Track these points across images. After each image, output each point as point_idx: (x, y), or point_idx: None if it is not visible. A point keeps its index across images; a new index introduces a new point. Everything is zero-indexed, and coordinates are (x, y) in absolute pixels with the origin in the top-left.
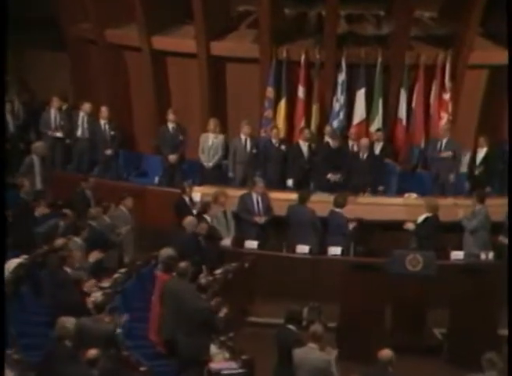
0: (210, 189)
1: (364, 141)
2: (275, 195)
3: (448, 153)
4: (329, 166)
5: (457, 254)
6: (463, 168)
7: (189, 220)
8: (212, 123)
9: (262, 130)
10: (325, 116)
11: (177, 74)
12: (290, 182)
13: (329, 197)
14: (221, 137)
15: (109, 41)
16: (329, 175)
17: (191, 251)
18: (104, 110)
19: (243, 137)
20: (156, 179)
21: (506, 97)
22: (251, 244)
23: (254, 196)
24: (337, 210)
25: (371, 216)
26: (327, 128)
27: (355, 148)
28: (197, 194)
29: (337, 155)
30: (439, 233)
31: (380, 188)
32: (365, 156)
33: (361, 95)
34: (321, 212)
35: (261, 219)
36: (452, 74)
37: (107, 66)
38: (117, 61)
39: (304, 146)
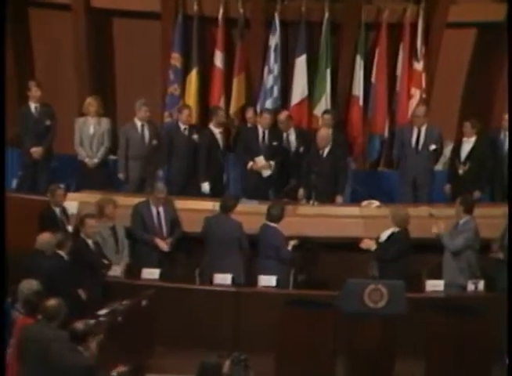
0: (92, 197)
1: (323, 133)
2: (184, 204)
3: (432, 147)
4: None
5: (435, 285)
6: (440, 165)
7: (43, 238)
8: (93, 102)
9: (166, 112)
10: (253, 93)
11: (43, 33)
12: (205, 186)
13: (260, 207)
14: (106, 122)
15: None
16: (251, 163)
17: (62, 283)
18: None
19: (138, 123)
20: (14, 182)
21: (505, 68)
22: (151, 274)
23: (154, 206)
24: (272, 225)
25: (317, 232)
26: (250, 110)
27: (293, 140)
28: (73, 203)
29: (274, 148)
30: (410, 255)
31: (339, 199)
32: (325, 153)
33: (301, 64)
34: (248, 228)
35: (164, 245)
36: (426, 36)
37: None
38: None
39: (218, 134)
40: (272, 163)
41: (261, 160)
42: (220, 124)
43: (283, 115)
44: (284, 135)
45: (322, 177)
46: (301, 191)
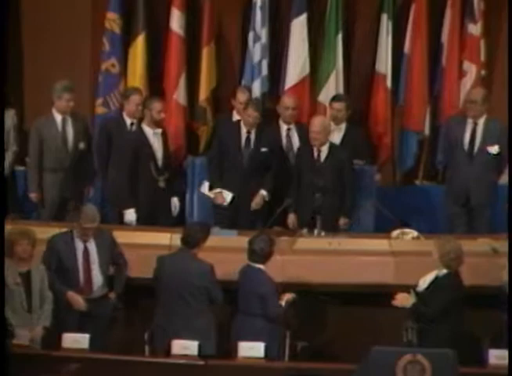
0: None
1: (317, 122)
2: (127, 236)
3: (493, 150)
4: (235, 175)
5: (501, 356)
6: (506, 177)
7: None
8: None
9: (99, 100)
10: (230, 70)
11: None
12: (129, 214)
13: (240, 240)
14: (11, 116)
15: None
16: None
17: None
18: None
19: (57, 117)
20: None
21: None
22: (76, 341)
23: (79, 240)
24: (256, 266)
25: (325, 278)
26: (240, 92)
27: (295, 140)
28: None
29: (262, 157)
30: (463, 312)
31: (342, 221)
32: (322, 156)
33: (300, 27)
34: (223, 272)
35: (80, 302)
36: None
37: None
38: None
39: (153, 137)
40: (265, 193)
41: (227, 196)
42: (156, 122)
43: (291, 100)
44: (283, 131)
45: (325, 193)
46: (292, 217)
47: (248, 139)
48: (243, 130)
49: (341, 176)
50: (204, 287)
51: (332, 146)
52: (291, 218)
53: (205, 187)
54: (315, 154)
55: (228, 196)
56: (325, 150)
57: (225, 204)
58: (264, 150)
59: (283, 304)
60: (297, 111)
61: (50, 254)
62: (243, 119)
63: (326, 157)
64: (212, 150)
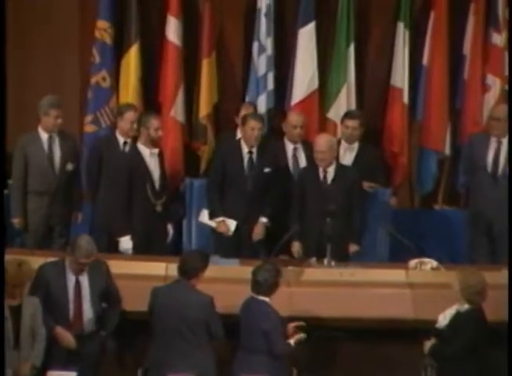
0: None
1: (322, 140)
2: (119, 266)
3: None
4: (235, 198)
5: None
6: None
7: None
8: None
9: (89, 116)
10: (232, 84)
11: None
12: (125, 241)
13: (242, 270)
14: None
15: None
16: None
17: None
18: None
19: (44, 135)
20: None
21: None
22: None
23: (71, 273)
24: (260, 298)
25: (336, 312)
26: (244, 109)
27: (302, 160)
28: None
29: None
30: (487, 350)
31: (352, 249)
32: (329, 176)
33: (308, 37)
34: (224, 304)
35: (69, 339)
36: None
37: None
38: None
39: (149, 157)
40: (265, 220)
41: (231, 224)
42: (153, 141)
43: (299, 118)
44: (289, 151)
45: (335, 218)
46: (296, 245)
47: (251, 159)
48: (245, 149)
49: (350, 199)
50: (203, 321)
51: (339, 167)
52: (296, 247)
53: (204, 216)
54: (321, 176)
55: (232, 224)
56: (331, 170)
57: (230, 233)
58: (267, 170)
59: (292, 343)
60: (305, 129)
61: (38, 285)
62: (245, 135)
63: (333, 179)
64: (213, 174)
